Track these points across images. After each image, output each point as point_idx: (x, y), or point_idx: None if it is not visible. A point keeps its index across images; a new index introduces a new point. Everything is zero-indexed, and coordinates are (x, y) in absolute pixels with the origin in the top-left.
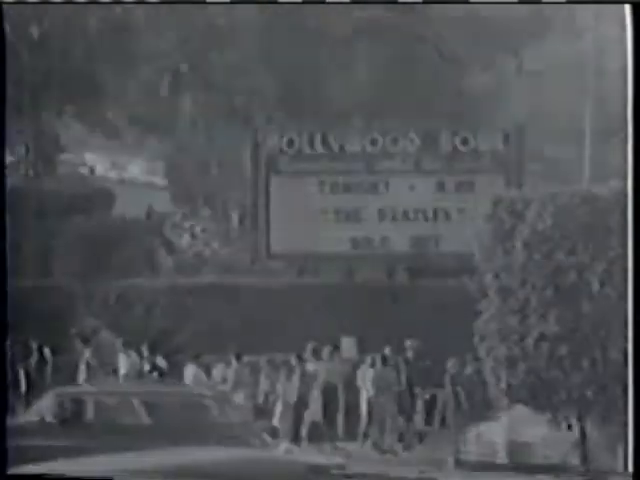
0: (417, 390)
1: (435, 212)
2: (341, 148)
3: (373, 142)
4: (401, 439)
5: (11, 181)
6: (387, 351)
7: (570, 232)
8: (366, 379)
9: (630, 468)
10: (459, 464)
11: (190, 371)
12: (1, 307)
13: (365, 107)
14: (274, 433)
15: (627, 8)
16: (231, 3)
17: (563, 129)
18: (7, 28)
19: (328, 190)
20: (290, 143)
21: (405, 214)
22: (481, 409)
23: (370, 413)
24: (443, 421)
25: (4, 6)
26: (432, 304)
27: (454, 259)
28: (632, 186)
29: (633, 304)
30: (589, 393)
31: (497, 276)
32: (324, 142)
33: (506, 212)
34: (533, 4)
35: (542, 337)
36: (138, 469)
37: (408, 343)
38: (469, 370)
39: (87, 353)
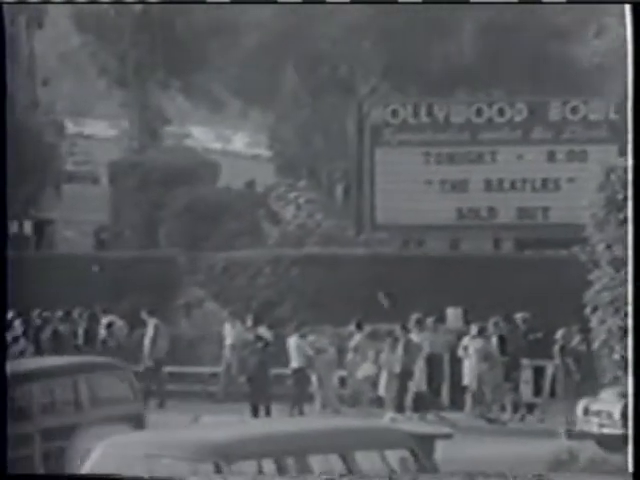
0: (525, 361)
1: (544, 182)
2: (446, 119)
3: (478, 112)
4: (504, 409)
5: (115, 154)
6: (493, 322)
7: None
8: (470, 349)
9: (630, 468)
10: (570, 435)
11: (293, 342)
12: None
13: (470, 77)
14: (379, 402)
15: (627, 8)
16: (231, 3)
17: None
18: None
19: (433, 161)
20: (395, 114)
21: (512, 184)
22: (592, 380)
23: (475, 383)
24: (553, 392)
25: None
26: (539, 275)
27: (563, 229)
28: None
29: None
30: None
31: (609, 247)
32: (429, 113)
33: (619, 182)
34: (533, 4)
35: None
36: None
37: (518, 315)
38: (579, 341)
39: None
